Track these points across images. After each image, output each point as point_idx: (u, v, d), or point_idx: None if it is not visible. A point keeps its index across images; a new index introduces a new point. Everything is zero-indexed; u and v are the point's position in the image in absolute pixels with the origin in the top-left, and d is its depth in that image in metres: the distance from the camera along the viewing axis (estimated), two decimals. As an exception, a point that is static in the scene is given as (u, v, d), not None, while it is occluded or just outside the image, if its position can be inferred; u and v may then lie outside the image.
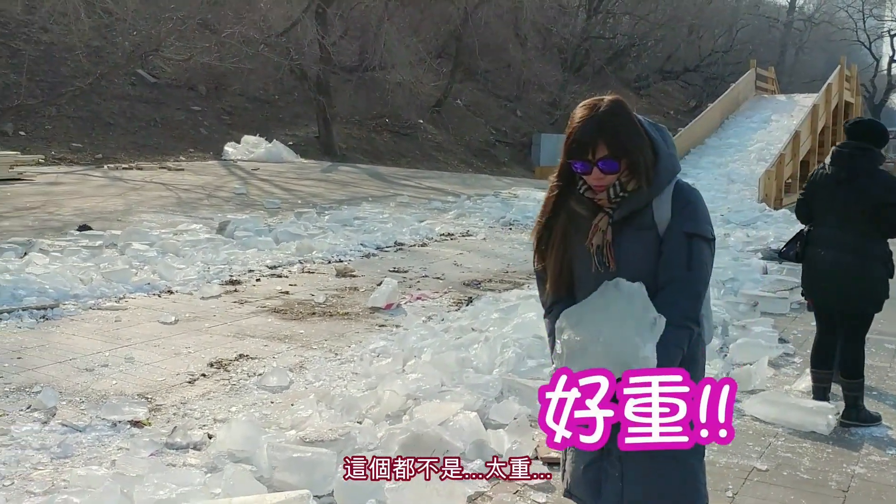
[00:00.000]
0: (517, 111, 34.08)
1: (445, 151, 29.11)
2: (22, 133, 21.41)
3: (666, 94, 47.97)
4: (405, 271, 9.67)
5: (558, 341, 2.56)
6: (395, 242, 11.52)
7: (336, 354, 6.32)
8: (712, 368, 5.68)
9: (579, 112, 2.49)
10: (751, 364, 6.00)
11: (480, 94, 34.99)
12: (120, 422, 4.73)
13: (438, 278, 9.37)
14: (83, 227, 11.00)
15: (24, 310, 6.90)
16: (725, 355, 6.32)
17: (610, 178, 2.49)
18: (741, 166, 20.83)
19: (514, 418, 4.76)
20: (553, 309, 2.71)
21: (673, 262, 2.52)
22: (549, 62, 36.87)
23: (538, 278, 2.77)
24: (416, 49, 26.29)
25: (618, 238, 2.55)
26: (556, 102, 34.60)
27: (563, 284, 2.66)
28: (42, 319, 6.82)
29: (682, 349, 2.49)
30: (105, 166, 19.69)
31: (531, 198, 16.48)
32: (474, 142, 30.50)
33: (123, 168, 19.55)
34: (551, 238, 2.64)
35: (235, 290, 8.30)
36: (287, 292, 8.36)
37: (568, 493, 2.75)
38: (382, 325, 7.23)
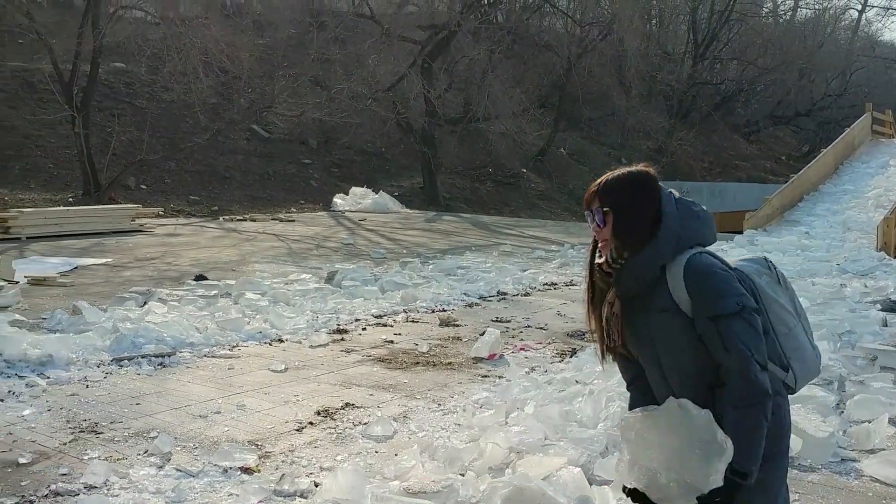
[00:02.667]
0: (622, 158, 33.87)
1: (549, 200, 29.13)
2: (143, 186, 22.58)
3: (777, 140, 46.85)
4: (508, 321, 9.68)
5: (623, 445, 2.57)
6: (498, 292, 11.56)
7: (439, 405, 6.36)
8: (828, 426, 5.46)
9: None
10: (870, 422, 5.73)
11: (584, 142, 35.01)
12: (231, 468, 4.88)
13: (542, 328, 9.34)
14: (199, 277, 11.47)
15: (143, 357, 7.23)
16: (842, 412, 6.06)
17: (605, 235, 2.51)
18: (858, 213, 20.09)
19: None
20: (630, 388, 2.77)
21: (713, 350, 2.42)
22: (655, 109, 36.64)
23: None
24: (519, 99, 26.56)
25: (639, 315, 2.51)
26: (663, 149, 34.28)
27: (613, 352, 2.65)
28: (160, 367, 7.12)
29: (757, 426, 2.39)
30: (220, 218, 20.55)
31: (636, 247, 16.27)
32: (578, 190, 30.38)
33: (238, 220, 20.35)
34: (591, 314, 2.68)
35: (342, 339, 8.48)
36: (392, 341, 8.48)
37: None
38: (485, 376, 7.24)
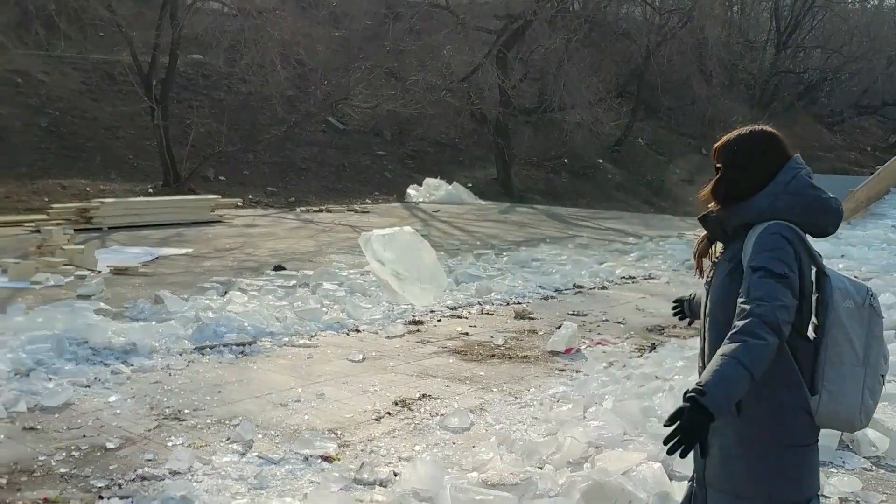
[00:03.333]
0: (702, 149, 33.17)
1: (626, 191, 28.73)
2: (222, 178, 23.04)
3: (862, 130, 45.30)
4: (585, 315, 9.58)
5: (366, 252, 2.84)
6: (574, 285, 11.44)
7: (516, 398, 6.33)
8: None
9: None
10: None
11: (663, 132, 34.42)
12: (311, 456, 4.94)
13: (619, 323, 9.21)
14: (278, 268, 11.65)
15: (224, 346, 7.37)
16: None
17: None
18: (948, 206, 19.29)
19: (701, 471, 4.57)
20: None
21: (742, 295, 2.43)
22: (736, 98, 35.82)
23: None
24: (595, 89, 26.22)
25: (715, 271, 2.66)
26: (743, 140, 33.46)
27: None
28: (241, 355, 7.25)
29: (732, 356, 2.29)
30: (297, 209, 20.84)
31: (716, 239, 15.94)
32: (656, 181, 29.94)
33: (314, 211, 20.61)
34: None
35: (418, 331, 8.51)
36: (467, 333, 8.48)
37: None
38: (562, 370, 7.18)
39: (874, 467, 4.94)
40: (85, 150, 22.11)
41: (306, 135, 26.35)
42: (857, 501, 4.42)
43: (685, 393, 2.27)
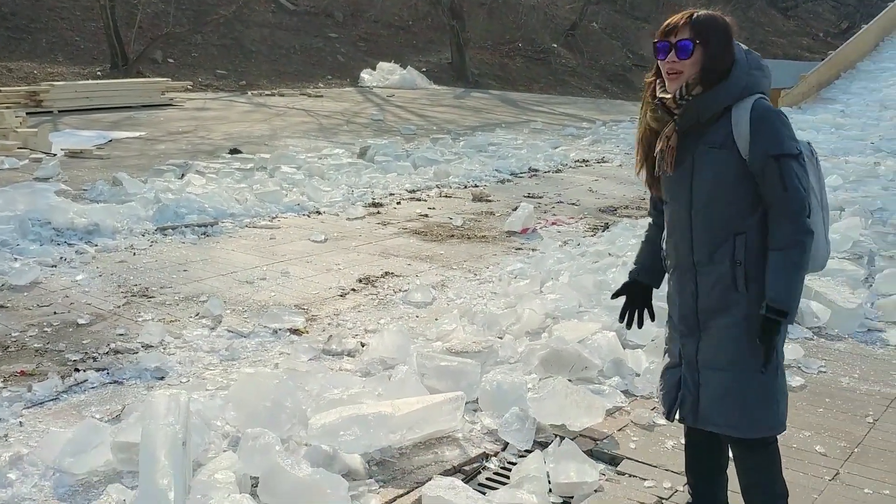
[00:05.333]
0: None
1: (579, 76, 28.63)
2: (171, 60, 22.44)
3: (815, 16, 45.31)
4: (540, 197, 9.77)
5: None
6: (530, 169, 11.59)
7: (475, 275, 6.54)
8: (856, 298, 5.59)
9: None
10: (898, 295, 5.85)
11: (617, 15, 34.09)
12: (280, 329, 5.11)
13: (574, 204, 9.43)
14: (234, 151, 11.59)
15: (186, 227, 7.43)
16: (871, 286, 6.17)
17: (681, 67, 2.56)
18: (896, 91, 19.62)
19: (652, 340, 4.84)
20: (650, 213, 2.98)
21: (768, 188, 2.55)
22: (690, -18, 35.38)
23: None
24: (551, -29, 25.75)
25: (688, 153, 2.62)
26: (697, 25, 33.28)
27: (652, 188, 2.83)
28: (203, 236, 7.33)
29: (798, 265, 2.52)
30: (249, 93, 20.47)
31: (668, 124, 16.13)
32: (609, 66, 29.85)
33: (266, 94, 20.28)
34: (638, 148, 2.80)
35: (378, 213, 8.63)
36: (426, 215, 8.62)
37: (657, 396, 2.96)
38: (519, 249, 7.39)
39: (815, 337, 5.26)
40: (29, 32, 21.30)
41: (255, 15, 25.63)
42: (799, 367, 4.74)
43: (767, 310, 2.52)
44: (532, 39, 29.00)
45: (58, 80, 17.73)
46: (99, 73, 20.02)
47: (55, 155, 10.94)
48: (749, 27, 37.83)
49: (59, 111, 15.43)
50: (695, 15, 2.59)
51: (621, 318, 3.00)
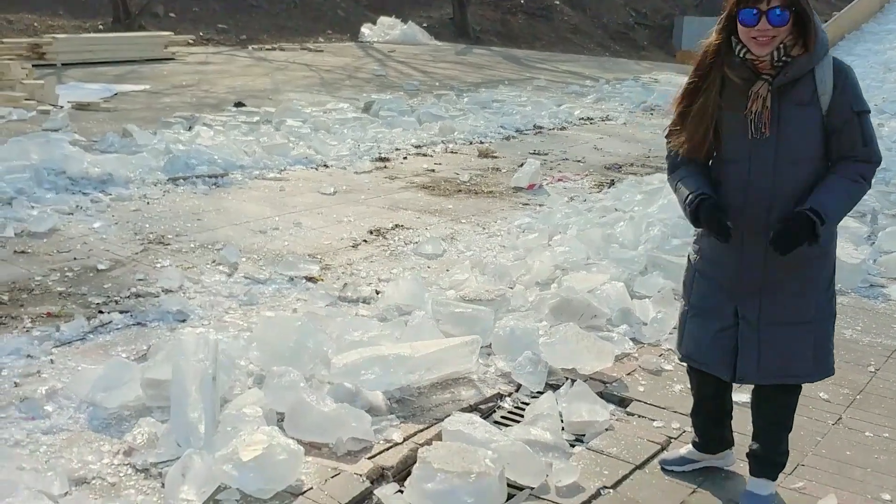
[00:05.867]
0: (658, -7, 32.77)
1: (581, 34, 28.45)
2: (172, 15, 22.29)
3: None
4: (545, 154, 9.84)
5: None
6: (535, 126, 11.65)
7: (484, 228, 6.66)
8: (859, 254, 5.72)
9: None
10: (898, 252, 5.98)
11: (620, -26, 33.73)
12: (296, 277, 5.24)
13: (579, 161, 9.51)
14: (238, 104, 11.62)
15: (197, 177, 7.53)
16: (874, 243, 6.30)
17: (774, 33, 2.58)
18: (900, 53, 19.57)
19: (659, 291, 4.98)
20: (680, 168, 2.87)
21: (845, 142, 2.68)
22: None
23: (671, 134, 2.86)
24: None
25: (777, 109, 2.65)
26: (701, -16, 32.99)
27: (702, 149, 2.77)
28: (214, 186, 7.42)
29: (852, 199, 2.70)
30: (250, 47, 20.36)
31: (672, 83, 16.12)
32: (612, 24, 29.64)
33: (267, 49, 20.18)
34: (701, 101, 2.73)
35: (385, 167, 8.72)
36: (433, 170, 8.71)
37: (688, 358, 2.97)
38: (526, 204, 7.49)
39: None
40: (29, -17, 21.12)
41: (256, -31, 25.38)
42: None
43: (807, 208, 2.61)
44: (534, -4, 28.77)
45: (59, 34, 17.62)
46: (101, 26, 19.90)
47: (62, 107, 10.97)
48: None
49: (63, 64, 15.38)
50: None
51: (724, 233, 2.70)
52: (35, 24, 19.03)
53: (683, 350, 2.98)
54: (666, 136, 2.91)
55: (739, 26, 2.62)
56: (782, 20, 2.56)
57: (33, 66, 13.45)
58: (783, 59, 2.62)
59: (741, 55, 2.65)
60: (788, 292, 2.75)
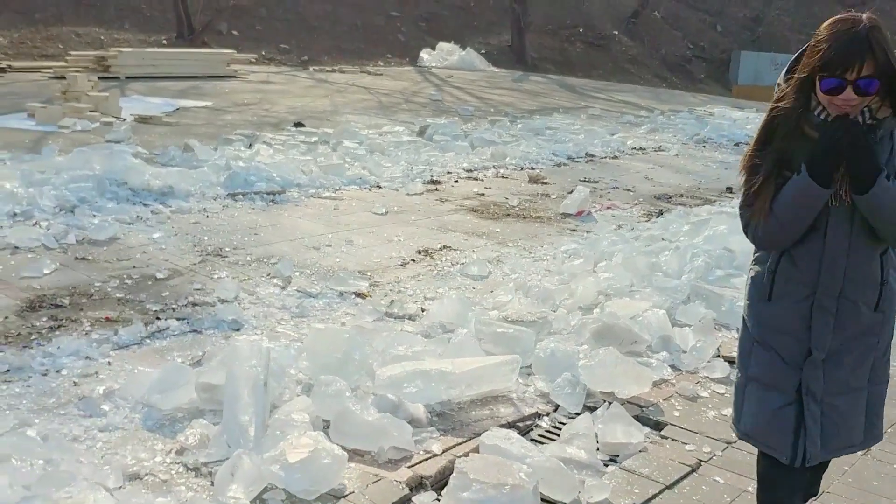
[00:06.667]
0: (717, 26, 32.71)
1: (639, 65, 28.53)
2: (235, 32, 22.92)
3: (886, 14, 44.25)
4: (595, 182, 9.93)
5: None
6: (586, 154, 11.75)
7: (530, 252, 6.78)
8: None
9: (835, 26, 2.37)
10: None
11: (679, 6, 33.76)
12: (346, 292, 5.42)
13: (629, 190, 9.59)
14: (298, 124, 11.93)
15: (255, 193, 7.78)
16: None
17: (860, 101, 2.38)
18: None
19: (700, 320, 5.04)
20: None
21: None
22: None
23: (746, 195, 2.60)
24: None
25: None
26: (760, 18, 32.94)
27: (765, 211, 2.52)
28: (271, 203, 7.67)
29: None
30: (311, 68, 20.83)
31: (727, 116, 16.13)
32: (670, 56, 29.68)
33: (327, 70, 20.62)
34: (772, 161, 2.51)
35: (436, 190, 8.90)
36: (483, 194, 8.86)
37: (745, 437, 2.72)
38: (573, 230, 7.60)
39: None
40: (98, -1, 21.93)
41: (320, -8, 25.98)
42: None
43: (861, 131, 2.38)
44: (593, 25, 28.95)
45: (124, 47, 18.23)
46: (164, 41, 20.54)
47: (125, 119, 11.38)
48: (814, 24, 37.18)
49: (126, 77, 15.90)
50: (871, 38, 2.32)
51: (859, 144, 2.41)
52: (102, 37, 19.72)
53: (742, 427, 2.71)
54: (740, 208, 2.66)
55: (820, 92, 2.42)
56: (870, 89, 2.36)
57: (98, 78, 13.96)
58: (868, 122, 2.43)
59: (821, 116, 2.45)
60: (860, 360, 2.58)
